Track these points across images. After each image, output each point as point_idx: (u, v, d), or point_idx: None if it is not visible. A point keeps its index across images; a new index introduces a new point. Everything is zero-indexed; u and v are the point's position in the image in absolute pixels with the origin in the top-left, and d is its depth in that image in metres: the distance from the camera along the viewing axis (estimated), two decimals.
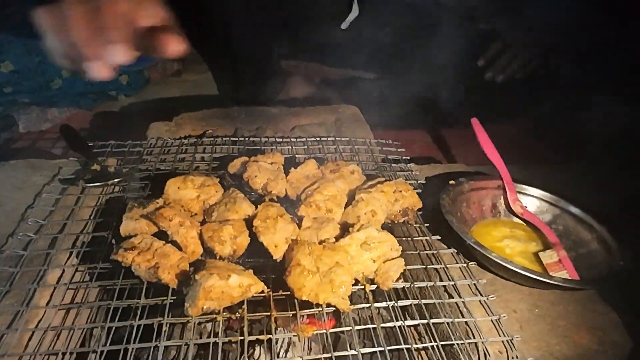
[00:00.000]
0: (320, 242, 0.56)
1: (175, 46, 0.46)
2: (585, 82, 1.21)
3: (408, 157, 0.83)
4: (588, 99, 1.25)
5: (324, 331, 0.48)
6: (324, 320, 0.49)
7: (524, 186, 0.68)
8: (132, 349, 0.45)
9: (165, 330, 0.47)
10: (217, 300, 0.48)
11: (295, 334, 0.48)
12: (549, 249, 0.62)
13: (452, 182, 0.67)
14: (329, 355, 0.46)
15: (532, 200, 0.67)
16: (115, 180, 0.65)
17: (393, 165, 0.80)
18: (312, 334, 0.48)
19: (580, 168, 0.98)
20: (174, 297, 0.50)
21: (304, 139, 0.85)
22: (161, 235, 0.56)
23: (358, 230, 0.56)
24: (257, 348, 0.53)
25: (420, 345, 0.48)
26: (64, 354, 0.47)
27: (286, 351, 0.52)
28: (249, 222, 0.59)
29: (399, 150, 0.85)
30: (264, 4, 1.21)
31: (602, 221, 0.61)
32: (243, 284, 0.49)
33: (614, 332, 0.53)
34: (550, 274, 0.58)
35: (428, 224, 0.65)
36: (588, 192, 0.74)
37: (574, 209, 0.64)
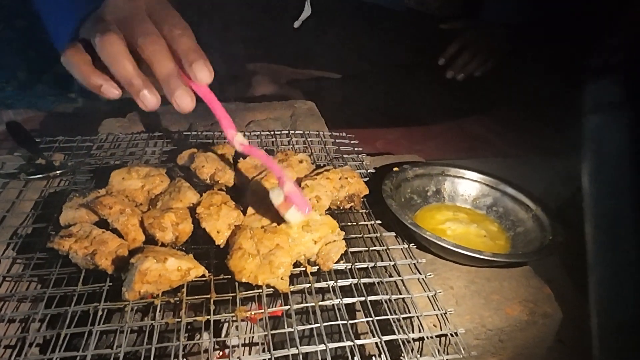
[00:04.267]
0: (263, 227, 0.57)
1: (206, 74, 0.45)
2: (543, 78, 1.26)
3: (360, 149, 0.85)
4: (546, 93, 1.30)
5: (262, 311, 0.49)
6: (264, 303, 0.50)
7: (465, 171, 0.70)
8: (65, 334, 0.45)
9: (100, 315, 0.47)
10: (154, 283, 0.48)
11: (233, 315, 0.49)
12: (278, 189, 0.52)
13: (395, 169, 0.69)
14: (266, 333, 0.46)
15: (474, 184, 0.70)
16: (58, 172, 0.64)
17: (345, 156, 0.82)
18: (249, 315, 0.49)
19: (537, 161, 1.02)
20: (111, 284, 0.50)
21: (258, 133, 0.86)
22: (102, 224, 0.55)
23: None
24: (200, 331, 0.53)
25: (355, 321, 0.49)
26: None
27: (227, 333, 0.52)
28: (193, 210, 0.59)
29: (352, 142, 0.87)
30: (230, 8, 1.23)
31: (537, 201, 0.64)
32: (182, 268, 0.50)
33: (545, 304, 0.55)
34: (282, 214, 0.52)
35: (373, 210, 0.67)
36: (542, 183, 0.77)
37: (511, 191, 0.67)
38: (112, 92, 0.45)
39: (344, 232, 0.58)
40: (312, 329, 0.48)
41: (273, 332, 0.47)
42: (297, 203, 0.51)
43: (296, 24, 1.21)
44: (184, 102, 0.45)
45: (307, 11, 1.15)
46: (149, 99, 0.44)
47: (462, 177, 0.70)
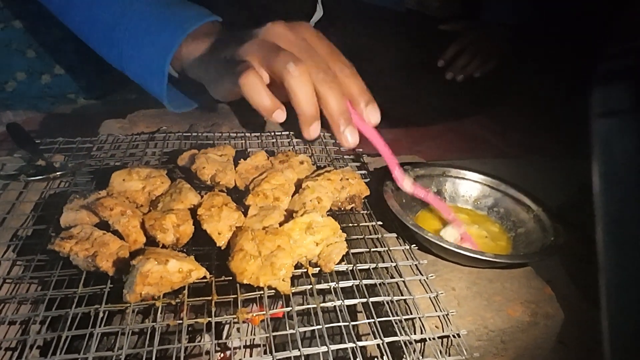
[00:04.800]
0: (264, 228, 0.57)
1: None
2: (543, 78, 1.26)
3: (361, 150, 0.85)
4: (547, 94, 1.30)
5: (263, 313, 0.49)
6: (265, 304, 0.50)
7: (466, 172, 0.70)
8: (66, 336, 0.45)
9: (101, 318, 0.47)
10: (155, 285, 0.48)
11: (235, 316, 0.49)
12: (450, 227, 0.62)
13: None
14: (267, 334, 0.46)
15: (475, 185, 0.70)
16: (58, 173, 0.64)
17: (345, 157, 0.82)
18: (250, 316, 0.49)
19: (537, 162, 1.02)
20: (112, 286, 0.50)
21: (258, 134, 0.86)
22: (103, 226, 0.55)
23: (302, 216, 0.57)
24: (201, 333, 0.53)
25: (357, 322, 0.49)
26: None
27: (229, 334, 0.52)
28: (194, 211, 0.59)
29: None
30: (235, 6, 1.23)
31: (538, 202, 0.64)
32: (183, 270, 0.49)
33: (547, 305, 0.55)
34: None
35: (374, 211, 0.67)
36: (543, 184, 0.77)
37: (512, 191, 0.67)
38: (282, 117, 0.48)
39: (345, 234, 0.58)
40: (313, 330, 0.48)
41: (274, 333, 0.46)
42: (472, 243, 0.61)
43: None
44: (354, 139, 0.49)
45: (319, 12, 1.15)
46: (317, 130, 0.48)
47: (463, 178, 0.70)
